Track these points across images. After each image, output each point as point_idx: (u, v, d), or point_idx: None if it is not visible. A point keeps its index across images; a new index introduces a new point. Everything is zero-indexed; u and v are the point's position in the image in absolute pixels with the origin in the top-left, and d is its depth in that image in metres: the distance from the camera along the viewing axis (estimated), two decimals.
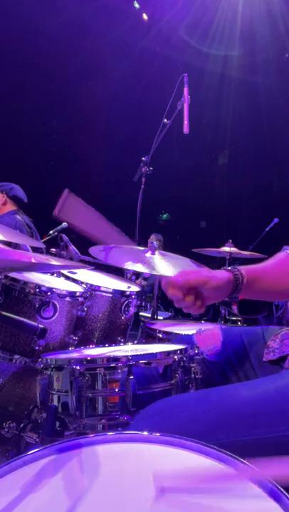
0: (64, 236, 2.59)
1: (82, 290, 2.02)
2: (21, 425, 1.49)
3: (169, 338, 2.03)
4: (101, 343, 2.13)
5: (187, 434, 0.74)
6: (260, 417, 0.95)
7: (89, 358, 1.25)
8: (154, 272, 1.61)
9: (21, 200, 3.73)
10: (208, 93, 8.35)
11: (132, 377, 1.13)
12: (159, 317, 3.72)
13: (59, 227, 3.36)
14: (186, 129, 2.96)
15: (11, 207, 3.66)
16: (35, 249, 2.86)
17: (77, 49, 8.18)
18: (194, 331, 1.28)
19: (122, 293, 2.20)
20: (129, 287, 2.28)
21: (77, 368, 1.16)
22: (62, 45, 7.94)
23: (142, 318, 3.45)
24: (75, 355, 1.42)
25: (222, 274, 1.20)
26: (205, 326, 1.29)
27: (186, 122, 2.96)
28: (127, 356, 1.17)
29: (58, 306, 1.85)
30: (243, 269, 1.23)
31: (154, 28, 8.25)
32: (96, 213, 1.20)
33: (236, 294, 1.22)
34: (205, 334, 1.23)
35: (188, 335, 1.49)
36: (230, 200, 9.54)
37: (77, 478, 0.70)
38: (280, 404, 0.96)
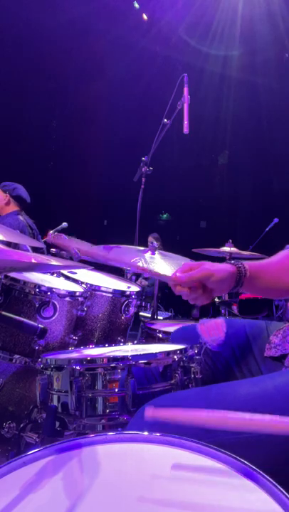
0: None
1: (82, 290, 2.02)
2: (21, 425, 1.49)
3: (169, 338, 2.03)
4: (101, 343, 2.13)
5: (187, 430, 0.75)
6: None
7: (89, 358, 1.24)
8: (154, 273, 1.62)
9: (24, 200, 3.72)
10: (208, 93, 8.35)
11: (131, 377, 1.13)
12: (159, 317, 3.72)
13: (59, 227, 3.35)
14: (186, 129, 2.95)
15: (14, 207, 3.66)
16: (36, 250, 2.86)
17: (77, 49, 8.18)
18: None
19: (122, 293, 2.20)
20: (129, 287, 2.28)
21: (77, 368, 1.16)
22: (62, 45, 7.94)
23: (142, 318, 3.45)
24: (74, 355, 1.41)
25: (225, 267, 1.22)
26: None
27: (186, 122, 2.96)
28: (126, 356, 1.17)
29: (57, 306, 1.85)
30: (246, 263, 1.25)
31: (154, 28, 8.24)
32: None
33: (239, 287, 1.23)
34: (209, 324, 1.23)
35: (184, 328, 1.50)
36: (230, 200, 9.53)
37: (77, 478, 0.70)
38: (278, 402, 0.97)
